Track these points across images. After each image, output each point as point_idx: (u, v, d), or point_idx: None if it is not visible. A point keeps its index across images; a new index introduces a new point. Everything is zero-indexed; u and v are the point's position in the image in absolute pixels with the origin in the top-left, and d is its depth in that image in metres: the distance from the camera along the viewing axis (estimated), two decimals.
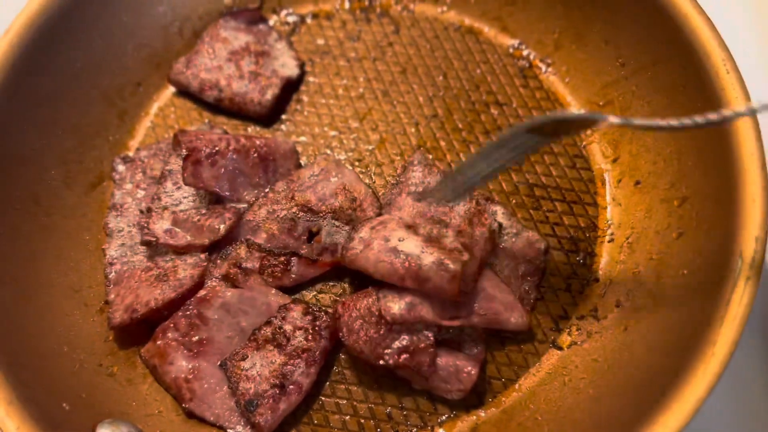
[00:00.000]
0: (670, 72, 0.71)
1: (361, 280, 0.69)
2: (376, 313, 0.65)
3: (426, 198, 0.71)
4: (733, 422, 0.68)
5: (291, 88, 0.86)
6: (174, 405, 0.68)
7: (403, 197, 0.75)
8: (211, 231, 0.72)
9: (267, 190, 0.76)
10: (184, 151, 0.72)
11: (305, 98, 0.86)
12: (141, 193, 0.78)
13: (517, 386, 0.68)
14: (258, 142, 0.77)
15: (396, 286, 0.65)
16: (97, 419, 0.62)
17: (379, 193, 0.77)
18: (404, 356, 0.64)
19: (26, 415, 0.58)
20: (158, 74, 0.87)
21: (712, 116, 0.50)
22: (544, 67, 0.84)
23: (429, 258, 0.63)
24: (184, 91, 0.86)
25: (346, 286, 0.74)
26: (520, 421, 0.65)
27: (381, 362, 0.64)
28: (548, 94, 0.83)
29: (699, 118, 0.50)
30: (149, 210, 0.74)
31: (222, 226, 0.72)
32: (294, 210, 0.74)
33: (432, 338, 0.64)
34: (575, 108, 0.81)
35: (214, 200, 0.75)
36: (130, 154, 0.82)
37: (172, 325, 0.68)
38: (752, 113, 0.51)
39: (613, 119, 0.53)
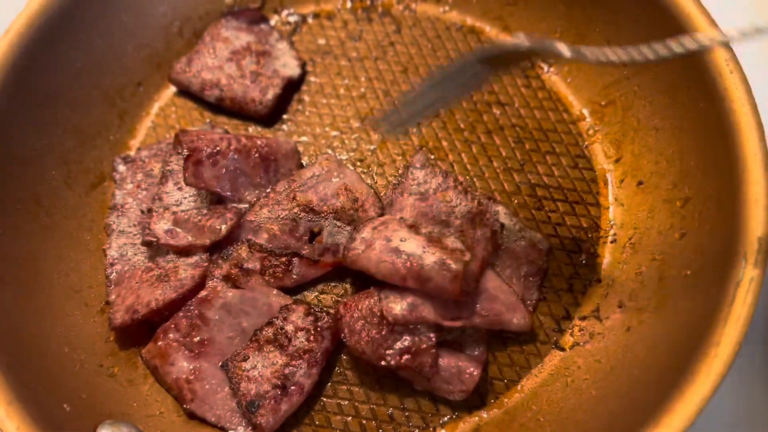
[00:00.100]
0: (672, 72, 0.71)
1: (363, 280, 0.69)
2: (378, 314, 0.64)
3: (376, 127, 0.70)
4: (736, 423, 0.68)
5: (292, 87, 0.86)
6: (175, 406, 0.68)
7: (405, 197, 0.74)
8: (212, 231, 0.72)
9: (268, 190, 0.75)
10: (185, 151, 0.72)
11: (306, 98, 0.85)
12: (142, 194, 0.78)
13: (519, 387, 0.68)
14: (259, 142, 0.76)
15: (398, 286, 0.65)
16: (98, 420, 0.61)
17: (381, 194, 0.77)
18: (406, 357, 0.63)
19: (26, 415, 0.58)
20: (159, 74, 0.87)
21: (675, 46, 0.47)
22: (546, 67, 0.84)
23: (431, 258, 0.63)
24: (185, 91, 0.86)
25: (348, 286, 0.74)
26: (522, 422, 0.65)
27: (383, 363, 0.64)
28: (550, 94, 0.82)
29: (660, 48, 0.47)
30: (150, 210, 0.74)
31: (223, 227, 0.72)
32: (295, 210, 0.74)
33: (434, 339, 0.64)
34: (577, 109, 0.81)
35: (215, 200, 0.75)
36: (131, 154, 0.82)
37: (173, 325, 0.68)
38: (724, 43, 0.48)
39: (564, 50, 0.50)
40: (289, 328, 0.68)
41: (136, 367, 0.70)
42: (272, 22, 0.90)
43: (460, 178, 0.78)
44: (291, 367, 0.66)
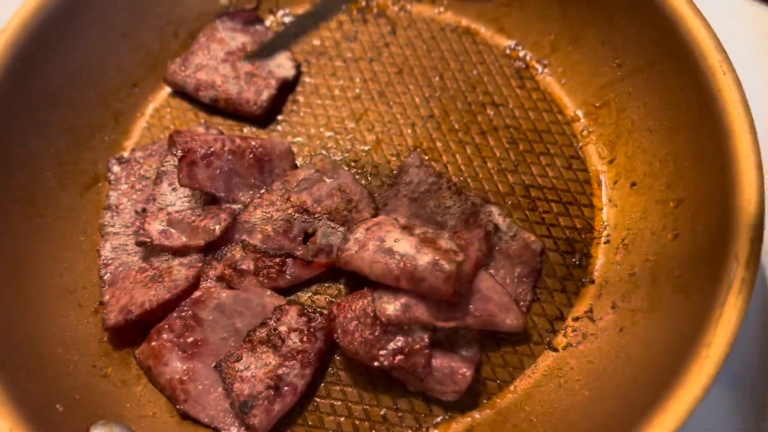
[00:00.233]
0: (666, 73, 0.71)
1: (357, 281, 0.69)
2: (372, 315, 0.64)
3: (249, 59, 0.71)
4: (728, 423, 0.68)
5: (287, 88, 0.86)
6: (168, 406, 0.68)
7: (399, 198, 0.74)
8: (206, 232, 0.72)
9: (262, 191, 0.75)
10: (179, 152, 0.72)
11: (301, 99, 0.86)
12: (136, 194, 0.78)
13: (512, 388, 0.68)
14: (254, 143, 0.76)
15: (391, 287, 0.65)
16: (91, 421, 0.61)
17: (375, 194, 0.77)
18: (399, 357, 0.63)
19: (19, 416, 0.58)
20: (154, 75, 0.87)
21: None
22: (540, 68, 0.84)
23: (424, 258, 0.63)
24: (180, 92, 0.86)
25: (342, 287, 0.74)
26: (515, 423, 0.65)
27: (376, 363, 0.64)
28: (545, 95, 0.83)
29: None
30: (144, 211, 0.74)
31: (217, 227, 0.72)
32: (290, 211, 0.74)
33: (427, 339, 0.64)
34: (571, 110, 0.81)
35: (209, 201, 0.75)
36: (126, 154, 0.82)
37: (166, 326, 0.68)
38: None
39: None
40: (283, 328, 0.68)
41: (130, 367, 0.70)
42: (267, 23, 0.90)
43: (454, 179, 0.78)
44: (284, 368, 0.66)
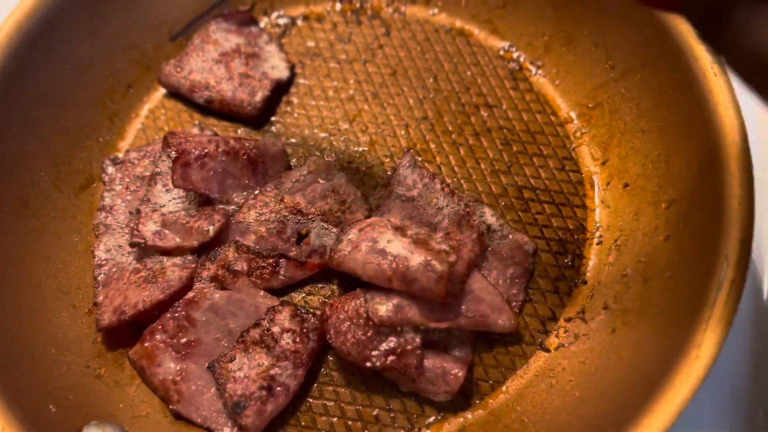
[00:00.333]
0: (658, 74, 0.72)
1: (350, 282, 0.69)
2: (364, 315, 0.65)
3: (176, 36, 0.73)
4: (718, 424, 0.68)
5: (281, 89, 0.86)
6: (161, 407, 0.68)
7: (393, 199, 0.75)
8: (200, 233, 0.72)
9: (256, 192, 0.76)
10: (173, 153, 0.72)
11: (295, 100, 0.86)
12: (130, 195, 0.78)
13: (504, 388, 0.68)
14: (247, 144, 0.77)
15: (384, 287, 0.65)
16: (84, 421, 0.62)
17: (369, 196, 0.77)
18: (391, 358, 0.64)
19: (12, 416, 0.58)
20: (149, 76, 0.87)
21: None
22: (534, 70, 0.84)
23: (416, 259, 0.64)
24: (174, 93, 0.86)
25: (335, 288, 0.74)
26: (506, 423, 0.65)
27: (368, 364, 0.64)
28: (538, 97, 0.83)
29: None
30: (138, 212, 0.74)
31: (211, 228, 0.72)
32: (283, 212, 0.74)
33: (419, 340, 0.64)
34: (564, 111, 0.81)
35: (203, 202, 0.75)
36: (120, 155, 0.82)
37: (160, 326, 0.68)
38: None
39: None
40: (276, 329, 0.68)
41: (123, 368, 0.70)
42: (262, 24, 0.91)
43: (448, 180, 0.78)
44: (277, 369, 0.66)
